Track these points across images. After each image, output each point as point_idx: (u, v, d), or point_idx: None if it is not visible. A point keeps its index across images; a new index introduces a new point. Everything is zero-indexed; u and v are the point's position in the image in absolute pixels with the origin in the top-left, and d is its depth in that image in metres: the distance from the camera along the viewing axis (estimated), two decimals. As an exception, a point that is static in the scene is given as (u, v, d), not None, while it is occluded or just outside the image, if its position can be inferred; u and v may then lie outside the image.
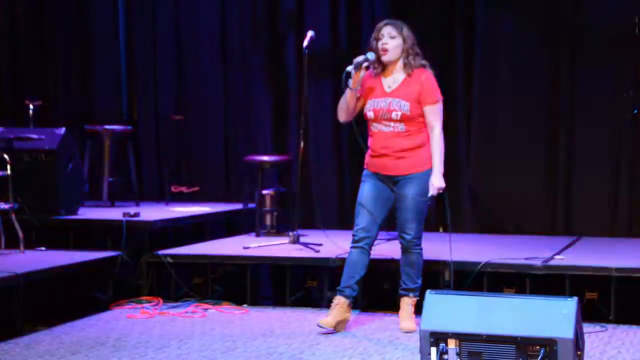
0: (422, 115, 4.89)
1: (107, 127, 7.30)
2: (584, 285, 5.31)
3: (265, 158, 7.02)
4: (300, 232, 6.36)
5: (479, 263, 5.47)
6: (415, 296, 5.04)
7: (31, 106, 7.02)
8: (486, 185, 7.09)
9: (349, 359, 4.43)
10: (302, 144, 5.87)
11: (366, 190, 4.97)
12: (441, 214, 7.30)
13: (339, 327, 4.98)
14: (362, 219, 4.96)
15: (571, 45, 6.87)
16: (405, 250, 5.01)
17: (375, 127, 4.94)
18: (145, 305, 5.70)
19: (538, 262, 5.43)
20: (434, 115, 4.90)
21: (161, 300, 5.77)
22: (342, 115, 5.01)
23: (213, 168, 7.88)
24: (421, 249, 5.04)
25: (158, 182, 7.92)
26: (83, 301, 5.66)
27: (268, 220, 7.06)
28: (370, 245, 4.99)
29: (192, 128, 7.93)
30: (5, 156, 5.90)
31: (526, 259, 5.52)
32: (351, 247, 5.02)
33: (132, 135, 7.57)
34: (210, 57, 7.86)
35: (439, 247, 6.24)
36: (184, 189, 7.69)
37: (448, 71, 7.21)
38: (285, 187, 7.06)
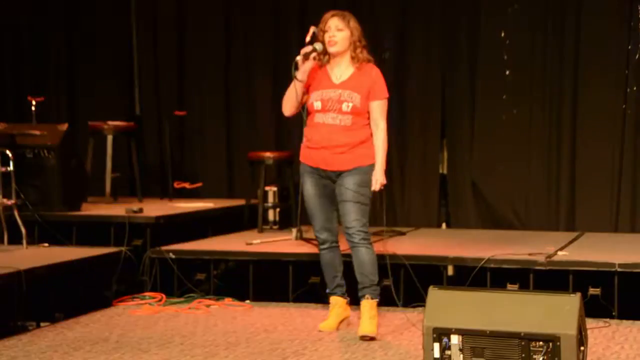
0: (368, 112, 4.78)
1: (109, 123, 7.30)
2: (587, 281, 5.30)
3: (268, 154, 7.00)
4: (303, 227, 6.36)
5: (482, 259, 5.45)
6: (374, 297, 4.81)
7: (34, 102, 7.02)
8: (489, 180, 7.08)
9: (352, 355, 4.43)
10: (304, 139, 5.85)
11: (310, 190, 4.85)
12: (443, 210, 7.32)
13: (341, 327, 4.96)
14: (317, 220, 4.87)
15: (575, 39, 6.86)
16: (352, 246, 4.79)
17: (319, 119, 4.79)
18: (148, 301, 5.70)
19: (541, 258, 5.43)
20: (381, 111, 4.78)
21: (164, 296, 5.77)
22: (288, 108, 4.90)
23: (216, 164, 7.88)
24: (370, 244, 4.80)
25: (161, 177, 7.92)
26: (86, 297, 5.67)
27: (271, 216, 7.06)
28: (336, 239, 4.92)
29: (195, 124, 7.93)
30: (8, 152, 5.90)
31: (529, 254, 5.52)
32: (320, 249, 4.95)
33: (135, 131, 7.56)
34: (213, 51, 7.85)
35: (441, 243, 6.25)
36: (186, 185, 7.69)
37: (451, 67, 7.22)
38: (288, 182, 7.06)
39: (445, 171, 7.35)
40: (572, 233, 6.67)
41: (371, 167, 4.79)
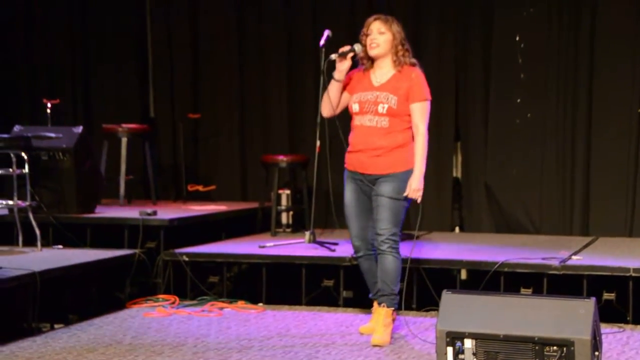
0: (409, 115, 4.72)
1: (124, 125, 7.33)
2: (601, 286, 5.28)
3: (282, 157, 7.02)
4: (317, 231, 6.36)
5: (495, 262, 5.44)
6: (390, 306, 4.74)
7: (49, 105, 7.06)
8: (503, 184, 7.07)
9: (365, 358, 4.42)
10: (318, 143, 5.86)
11: (348, 196, 4.82)
12: (457, 214, 7.31)
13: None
14: (353, 228, 4.83)
15: (590, 44, 6.84)
16: (379, 253, 4.73)
17: (358, 121, 4.76)
18: (161, 303, 5.71)
19: (555, 262, 5.41)
20: (421, 114, 4.71)
21: (177, 299, 5.78)
22: (327, 109, 4.85)
23: (229, 167, 7.89)
24: (397, 253, 4.72)
25: (175, 180, 7.94)
26: (100, 299, 5.69)
27: (284, 219, 7.07)
28: (370, 248, 4.86)
29: (209, 127, 7.95)
30: (23, 155, 5.93)
31: (543, 259, 5.50)
32: (356, 257, 4.94)
33: (149, 133, 7.59)
34: (228, 55, 7.87)
35: (455, 247, 6.24)
36: (200, 188, 7.71)
37: (465, 70, 7.21)
38: (302, 186, 7.06)
39: (459, 175, 7.34)
40: (586, 237, 6.65)
41: (408, 173, 4.69)
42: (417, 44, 7.26)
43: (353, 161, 4.81)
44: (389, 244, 4.69)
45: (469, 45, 7.18)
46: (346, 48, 4.78)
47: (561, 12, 6.92)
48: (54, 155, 6.41)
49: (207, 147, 7.99)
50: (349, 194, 4.83)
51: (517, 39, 7.00)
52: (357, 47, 4.80)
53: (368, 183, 4.77)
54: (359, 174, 4.79)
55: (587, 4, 6.85)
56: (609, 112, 6.80)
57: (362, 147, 4.74)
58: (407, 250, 5.25)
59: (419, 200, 4.72)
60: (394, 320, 4.87)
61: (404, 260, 4.99)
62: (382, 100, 4.71)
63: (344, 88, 4.85)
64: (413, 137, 4.76)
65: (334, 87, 4.82)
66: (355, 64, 4.87)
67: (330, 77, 4.80)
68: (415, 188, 4.67)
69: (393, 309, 4.78)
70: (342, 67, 4.78)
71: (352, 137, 4.83)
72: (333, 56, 4.78)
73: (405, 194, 4.67)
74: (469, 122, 7.23)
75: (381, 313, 4.76)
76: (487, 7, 7.11)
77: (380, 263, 4.76)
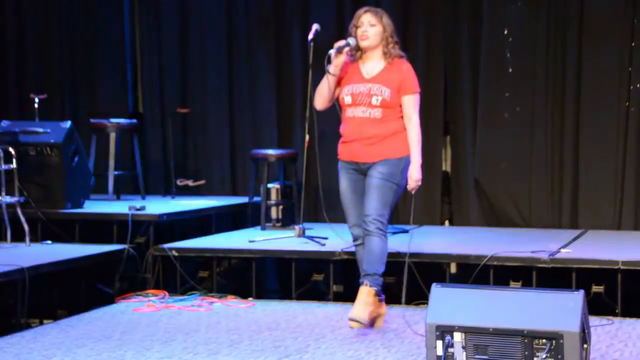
0: (400, 105, 4.83)
1: (112, 120, 7.31)
2: (590, 279, 5.30)
3: (271, 151, 7.01)
4: (306, 225, 6.36)
5: (485, 256, 5.45)
6: (373, 285, 4.78)
7: (36, 100, 7.03)
8: (492, 178, 7.08)
9: (355, 352, 4.43)
10: (307, 137, 5.86)
11: (344, 186, 4.91)
12: (446, 208, 7.32)
13: (377, 323, 4.95)
14: (351, 216, 4.91)
15: (578, 37, 6.85)
16: (366, 234, 4.78)
17: (350, 113, 4.86)
18: (151, 298, 5.70)
19: (544, 256, 5.42)
20: (413, 105, 4.84)
21: (167, 294, 5.77)
22: (320, 102, 4.95)
23: (219, 161, 7.88)
24: (384, 234, 4.78)
25: (164, 175, 7.92)
26: (89, 294, 5.68)
27: (274, 213, 7.06)
28: None
29: (198, 121, 7.93)
30: (11, 150, 5.91)
31: (532, 252, 5.51)
32: (353, 245, 5.01)
33: (138, 128, 7.57)
34: (216, 49, 7.85)
35: (444, 240, 6.25)
36: (189, 183, 7.69)
37: (454, 64, 7.21)
38: (291, 180, 7.06)
39: (448, 169, 7.35)
40: (575, 231, 6.67)
41: (401, 160, 4.81)
42: (406, 38, 7.27)
43: (347, 151, 4.90)
44: (375, 224, 4.76)
45: (457, 39, 7.18)
46: (342, 42, 4.86)
47: (549, 5, 6.93)
48: (42, 151, 6.39)
49: (196, 142, 7.97)
50: (345, 183, 4.92)
51: (506, 32, 7.01)
52: (352, 40, 4.87)
53: (361, 173, 4.86)
54: (353, 163, 4.88)
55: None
56: (597, 105, 6.82)
57: (356, 137, 4.84)
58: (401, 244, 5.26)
59: (411, 186, 4.81)
60: (381, 316, 4.92)
61: (401, 255, 5.03)
62: (375, 93, 4.81)
63: (339, 81, 4.92)
64: (404, 126, 4.86)
65: (330, 81, 4.89)
66: None
67: (327, 71, 4.86)
68: (416, 178, 4.81)
69: (375, 289, 4.82)
70: (338, 61, 4.86)
71: (344, 128, 4.91)
72: (331, 52, 4.84)
73: (409, 188, 4.80)
74: (458, 116, 7.24)
75: (363, 291, 4.80)
76: (476, 1, 7.10)
77: (366, 243, 4.82)
